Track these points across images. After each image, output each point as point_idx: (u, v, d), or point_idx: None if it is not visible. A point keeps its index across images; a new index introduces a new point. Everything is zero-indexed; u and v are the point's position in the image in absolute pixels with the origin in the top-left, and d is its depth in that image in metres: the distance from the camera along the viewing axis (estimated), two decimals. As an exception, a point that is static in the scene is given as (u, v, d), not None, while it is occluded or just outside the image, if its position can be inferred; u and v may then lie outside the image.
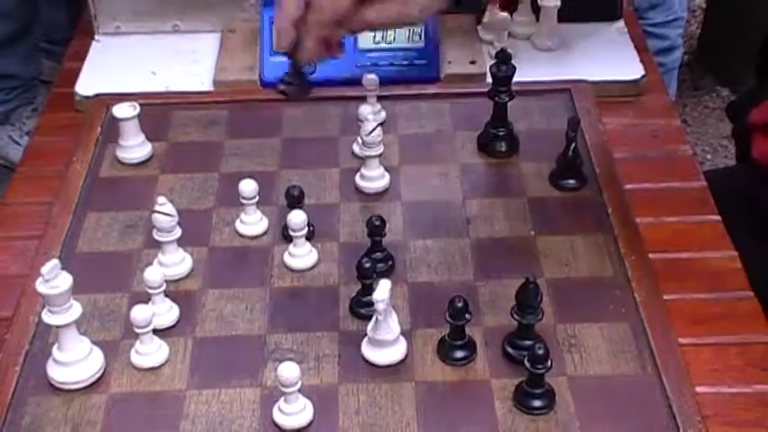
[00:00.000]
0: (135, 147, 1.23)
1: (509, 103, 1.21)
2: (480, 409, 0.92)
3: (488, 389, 0.94)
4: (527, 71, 1.31)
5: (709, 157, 2.71)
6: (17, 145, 2.49)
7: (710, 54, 2.97)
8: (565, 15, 1.40)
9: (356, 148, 1.22)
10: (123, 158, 1.23)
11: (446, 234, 1.11)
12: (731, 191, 1.31)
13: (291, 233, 1.06)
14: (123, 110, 1.21)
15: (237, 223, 1.12)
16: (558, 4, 1.38)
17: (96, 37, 1.44)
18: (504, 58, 1.19)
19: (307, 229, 1.07)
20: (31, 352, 0.99)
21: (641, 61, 1.37)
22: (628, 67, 1.36)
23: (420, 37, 1.37)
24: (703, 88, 2.94)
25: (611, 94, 1.33)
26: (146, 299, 1.00)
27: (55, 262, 0.92)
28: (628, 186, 1.17)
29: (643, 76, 1.35)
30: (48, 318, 0.94)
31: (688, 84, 2.93)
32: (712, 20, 2.96)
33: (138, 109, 1.21)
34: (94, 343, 0.97)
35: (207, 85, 1.35)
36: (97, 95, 1.33)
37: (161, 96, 1.32)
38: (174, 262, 1.07)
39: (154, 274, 0.99)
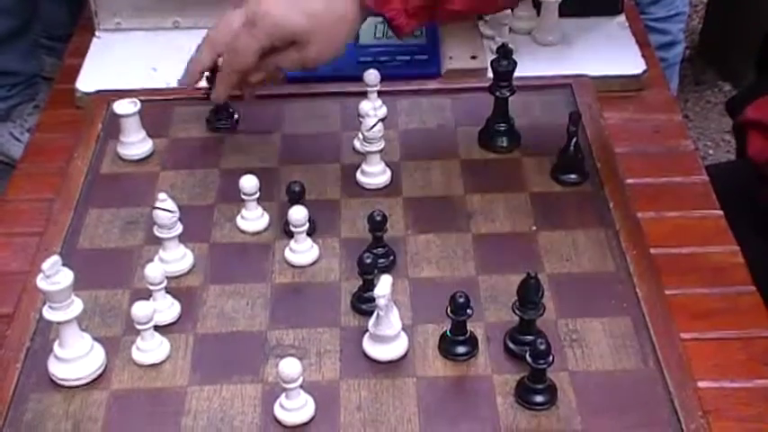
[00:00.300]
0: (136, 143, 1.22)
1: (510, 98, 1.21)
2: (482, 405, 0.92)
3: (490, 384, 0.94)
4: (528, 66, 1.31)
5: (711, 152, 2.71)
6: (18, 142, 2.48)
7: (712, 49, 2.96)
8: (566, 10, 1.40)
9: (357, 144, 1.21)
10: (124, 155, 1.22)
11: (447, 229, 1.11)
12: (733, 186, 1.31)
13: (292, 229, 1.06)
14: (123, 106, 1.21)
15: (238, 219, 1.12)
16: (559, -2, 1.38)
17: (97, 33, 1.44)
18: (505, 53, 1.19)
19: (308, 224, 1.06)
20: (32, 349, 0.99)
21: (643, 56, 1.37)
22: (629, 62, 1.36)
23: (421, 32, 1.36)
24: (705, 83, 2.94)
25: (613, 89, 1.33)
26: (147, 295, 1.00)
27: (55, 258, 0.92)
28: (629, 181, 1.17)
29: (644, 71, 1.35)
30: (48, 314, 0.94)
31: (690, 79, 2.93)
32: (714, 15, 2.96)
33: (138, 105, 1.21)
34: (95, 339, 0.97)
35: (208, 82, 1.35)
36: (98, 92, 1.32)
37: (162, 93, 1.32)
38: (174, 258, 1.06)
39: (155, 271, 0.99)
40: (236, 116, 1.27)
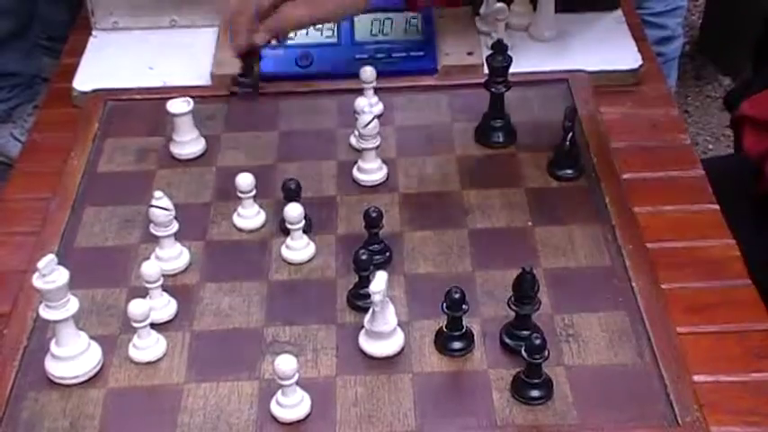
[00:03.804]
0: (189, 142, 1.22)
1: (506, 94, 1.21)
2: (478, 400, 0.92)
3: (486, 379, 0.94)
4: (524, 62, 1.31)
5: (711, 147, 2.70)
6: (19, 142, 2.49)
7: (712, 44, 2.96)
8: (562, 5, 1.40)
9: (353, 141, 1.21)
10: (178, 154, 1.22)
11: (443, 225, 1.11)
12: (731, 179, 1.30)
13: (289, 226, 1.06)
14: (177, 105, 1.20)
15: (235, 217, 1.12)
16: (556, -6, 1.38)
17: (93, 32, 1.44)
18: (500, 49, 1.19)
19: (304, 221, 1.07)
20: (29, 347, 0.99)
21: (639, 51, 1.37)
22: (626, 57, 1.36)
23: (417, 29, 1.36)
24: (705, 78, 2.94)
25: (609, 84, 1.32)
26: (143, 293, 1.00)
27: (51, 257, 0.92)
28: (626, 176, 1.17)
29: (641, 66, 1.35)
30: (45, 313, 0.94)
31: (690, 73, 2.92)
32: (713, 9, 2.95)
33: (191, 104, 1.21)
34: (92, 338, 0.98)
35: (204, 80, 1.35)
36: (95, 91, 1.33)
37: (158, 91, 1.32)
38: (171, 256, 1.07)
39: (151, 269, 0.99)
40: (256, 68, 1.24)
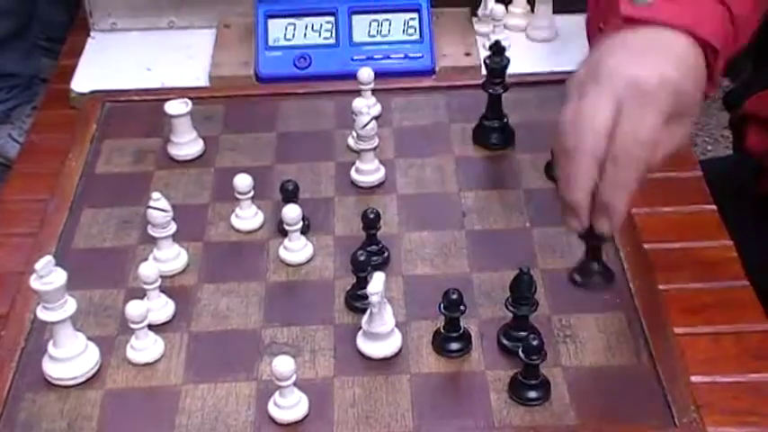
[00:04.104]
0: (187, 143, 1.22)
1: (504, 95, 1.21)
2: (475, 401, 0.92)
3: (483, 380, 0.94)
4: (522, 63, 1.31)
5: (710, 147, 2.70)
6: (17, 143, 2.49)
7: (711, 44, 2.96)
8: (560, 6, 1.40)
9: (351, 142, 1.22)
10: (176, 155, 1.22)
11: (441, 226, 1.11)
12: (729, 180, 1.30)
13: (286, 227, 1.07)
14: (175, 106, 1.20)
15: (233, 218, 1.12)
16: (554, -5, 1.38)
17: (92, 33, 1.45)
18: (498, 50, 1.19)
19: (302, 223, 1.07)
20: (26, 348, 0.99)
21: (637, 51, 1.37)
22: (623, 58, 1.36)
23: (415, 30, 1.36)
24: (704, 78, 2.93)
25: (607, 85, 1.32)
26: (141, 294, 1.00)
27: (48, 258, 0.92)
28: (623, 177, 1.17)
29: (639, 67, 1.34)
30: (42, 314, 0.94)
31: (688, 74, 2.92)
32: (712, 10, 2.95)
33: (189, 105, 1.21)
34: (90, 339, 0.98)
35: (202, 81, 1.35)
36: (92, 92, 1.33)
37: (156, 92, 1.32)
38: (169, 257, 1.07)
39: (149, 270, 0.99)
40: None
